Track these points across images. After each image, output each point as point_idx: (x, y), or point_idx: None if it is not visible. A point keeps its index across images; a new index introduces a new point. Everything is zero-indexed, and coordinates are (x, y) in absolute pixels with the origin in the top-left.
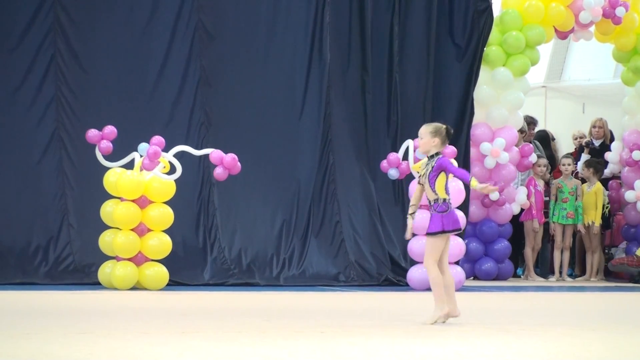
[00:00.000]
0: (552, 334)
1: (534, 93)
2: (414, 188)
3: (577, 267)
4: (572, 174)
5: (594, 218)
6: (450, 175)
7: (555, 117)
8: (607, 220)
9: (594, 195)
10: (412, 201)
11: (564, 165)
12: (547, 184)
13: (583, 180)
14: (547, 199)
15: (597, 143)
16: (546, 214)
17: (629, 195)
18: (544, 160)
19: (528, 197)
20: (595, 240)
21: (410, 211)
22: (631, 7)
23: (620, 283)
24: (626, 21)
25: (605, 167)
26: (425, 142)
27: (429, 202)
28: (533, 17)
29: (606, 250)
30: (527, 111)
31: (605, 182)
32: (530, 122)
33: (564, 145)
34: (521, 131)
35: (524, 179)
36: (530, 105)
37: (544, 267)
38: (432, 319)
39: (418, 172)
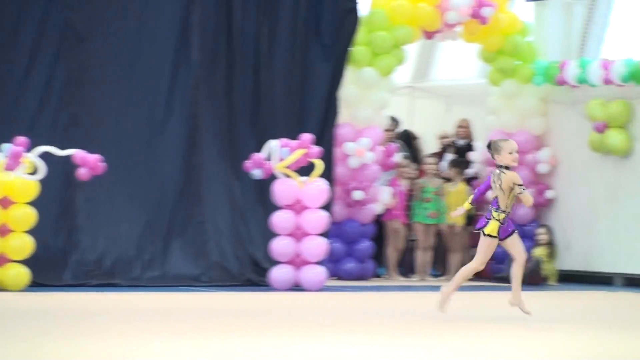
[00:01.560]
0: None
1: (400, 93)
2: (281, 189)
3: (440, 266)
4: (435, 174)
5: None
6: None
7: (421, 117)
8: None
9: (458, 194)
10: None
11: (427, 164)
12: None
13: (446, 180)
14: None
15: (461, 143)
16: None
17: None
18: (408, 161)
19: (392, 196)
20: (458, 240)
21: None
22: (498, 7)
23: (483, 283)
24: (493, 21)
25: (469, 167)
26: None
27: (506, 211)
28: (400, 17)
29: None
30: (393, 111)
31: (469, 182)
32: (393, 121)
33: (430, 145)
34: (387, 130)
35: (388, 179)
36: (396, 105)
37: (407, 267)
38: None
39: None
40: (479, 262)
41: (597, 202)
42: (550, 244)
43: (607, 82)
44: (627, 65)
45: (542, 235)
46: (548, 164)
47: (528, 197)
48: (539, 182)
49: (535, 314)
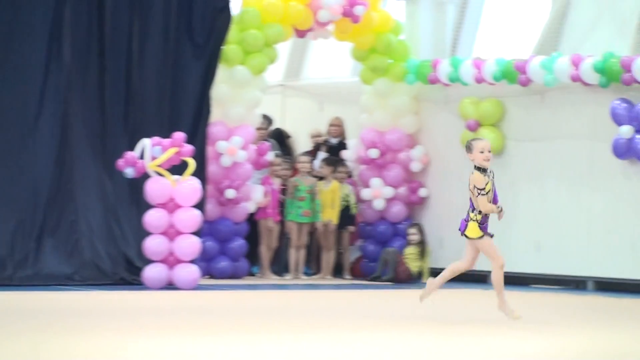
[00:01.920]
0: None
1: (273, 91)
2: (153, 187)
3: (313, 265)
4: (309, 173)
5: (331, 216)
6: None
7: (294, 116)
8: (352, 219)
9: (331, 193)
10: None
11: (300, 163)
12: (284, 182)
13: (320, 178)
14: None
15: (334, 141)
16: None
17: (365, 194)
18: (281, 159)
19: (264, 195)
20: (331, 238)
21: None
22: (370, 6)
23: (356, 281)
24: (365, 20)
25: (342, 166)
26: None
27: (482, 211)
28: (272, 15)
29: (340, 250)
30: (266, 110)
31: (342, 180)
32: (266, 120)
33: (302, 144)
34: (260, 129)
35: (261, 178)
36: (268, 104)
37: (280, 265)
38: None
39: (483, 187)
40: (467, 263)
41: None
42: (422, 243)
43: (479, 80)
44: (499, 64)
45: (413, 234)
46: (421, 162)
47: (482, 202)
48: (412, 180)
49: (400, 312)
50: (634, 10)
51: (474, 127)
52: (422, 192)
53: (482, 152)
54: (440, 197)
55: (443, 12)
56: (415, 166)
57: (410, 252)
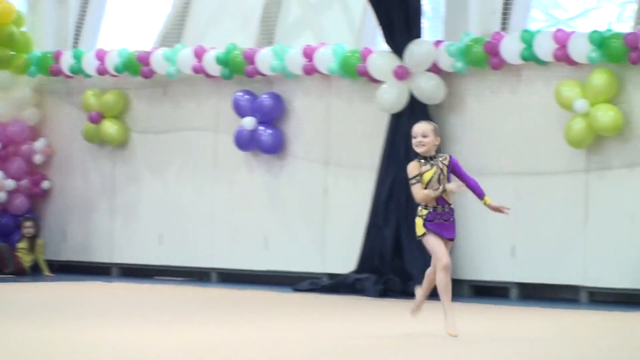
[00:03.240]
0: None
1: None
2: None
3: None
4: None
5: None
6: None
7: None
8: None
9: None
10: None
11: None
12: None
13: None
14: None
15: None
16: None
17: None
18: None
19: None
20: None
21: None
22: None
23: None
24: None
25: None
26: (431, 141)
27: (443, 206)
28: None
29: None
30: None
31: None
32: None
33: None
34: None
35: None
36: None
37: None
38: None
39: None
40: (436, 262)
41: (94, 193)
42: (35, 237)
43: (102, 72)
44: (121, 56)
45: (28, 227)
46: (43, 154)
47: (414, 191)
48: (35, 172)
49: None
50: (257, 2)
51: (96, 119)
52: (45, 184)
53: (414, 137)
54: (64, 190)
55: (66, 3)
56: (38, 158)
57: (22, 246)
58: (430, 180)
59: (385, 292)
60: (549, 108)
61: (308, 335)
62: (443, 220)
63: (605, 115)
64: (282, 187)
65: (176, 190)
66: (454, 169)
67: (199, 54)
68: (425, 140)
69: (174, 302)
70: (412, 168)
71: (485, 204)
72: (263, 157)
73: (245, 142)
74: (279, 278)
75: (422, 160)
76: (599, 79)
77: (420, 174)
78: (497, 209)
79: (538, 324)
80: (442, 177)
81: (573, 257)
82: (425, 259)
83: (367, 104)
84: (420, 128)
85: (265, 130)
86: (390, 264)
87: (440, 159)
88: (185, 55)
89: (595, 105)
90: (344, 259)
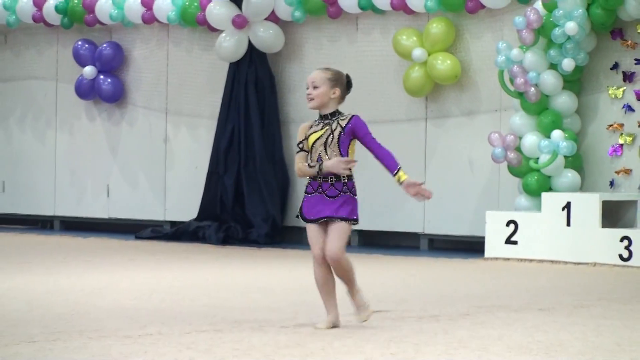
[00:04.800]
0: None
1: None
2: None
3: None
4: None
5: None
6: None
7: None
8: None
9: None
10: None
11: None
12: None
13: None
14: None
15: None
16: None
17: None
18: None
19: None
20: None
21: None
22: None
23: None
24: None
25: None
26: (322, 93)
27: (328, 178)
28: None
29: None
30: None
31: None
32: None
33: None
34: None
35: None
36: None
37: None
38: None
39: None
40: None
41: None
42: None
43: None
44: None
45: None
46: None
47: (295, 162)
48: None
49: None
50: None
51: None
52: None
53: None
54: None
55: None
56: None
57: None
58: (313, 145)
59: (227, 239)
60: (388, 57)
61: (150, 282)
62: (326, 195)
63: (443, 63)
64: (123, 136)
65: (18, 139)
66: (356, 134)
67: (38, 3)
68: (315, 92)
69: (15, 250)
70: (300, 131)
71: (398, 181)
72: (104, 106)
73: (86, 91)
74: (122, 226)
75: (316, 120)
76: (437, 27)
77: (307, 138)
78: (416, 192)
79: (379, 271)
80: (331, 142)
81: (413, 204)
82: (266, 207)
83: (206, 53)
84: (310, 77)
85: (106, 79)
86: (231, 211)
87: (341, 118)
88: (24, 4)
89: (433, 54)
90: (186, 207)
